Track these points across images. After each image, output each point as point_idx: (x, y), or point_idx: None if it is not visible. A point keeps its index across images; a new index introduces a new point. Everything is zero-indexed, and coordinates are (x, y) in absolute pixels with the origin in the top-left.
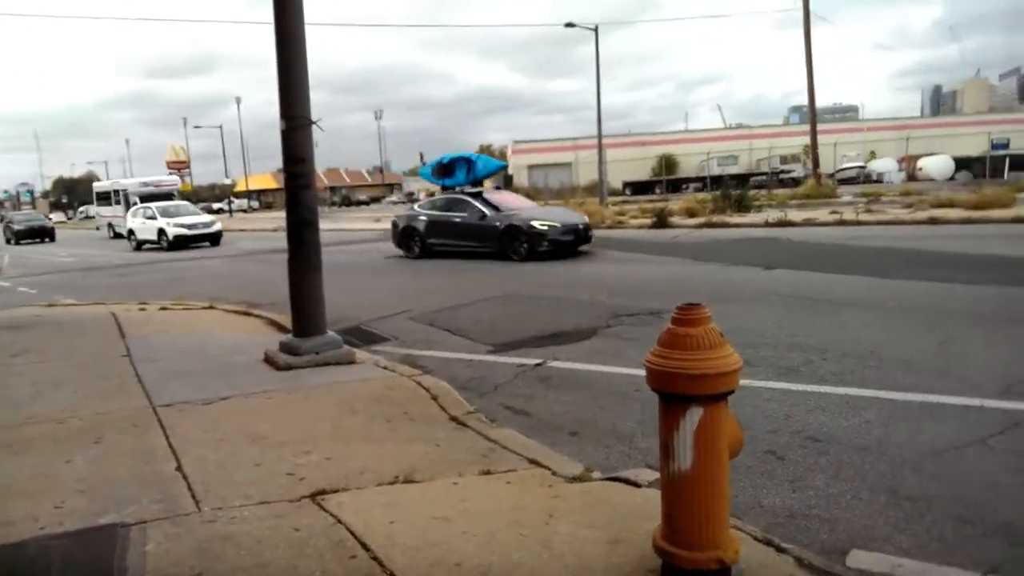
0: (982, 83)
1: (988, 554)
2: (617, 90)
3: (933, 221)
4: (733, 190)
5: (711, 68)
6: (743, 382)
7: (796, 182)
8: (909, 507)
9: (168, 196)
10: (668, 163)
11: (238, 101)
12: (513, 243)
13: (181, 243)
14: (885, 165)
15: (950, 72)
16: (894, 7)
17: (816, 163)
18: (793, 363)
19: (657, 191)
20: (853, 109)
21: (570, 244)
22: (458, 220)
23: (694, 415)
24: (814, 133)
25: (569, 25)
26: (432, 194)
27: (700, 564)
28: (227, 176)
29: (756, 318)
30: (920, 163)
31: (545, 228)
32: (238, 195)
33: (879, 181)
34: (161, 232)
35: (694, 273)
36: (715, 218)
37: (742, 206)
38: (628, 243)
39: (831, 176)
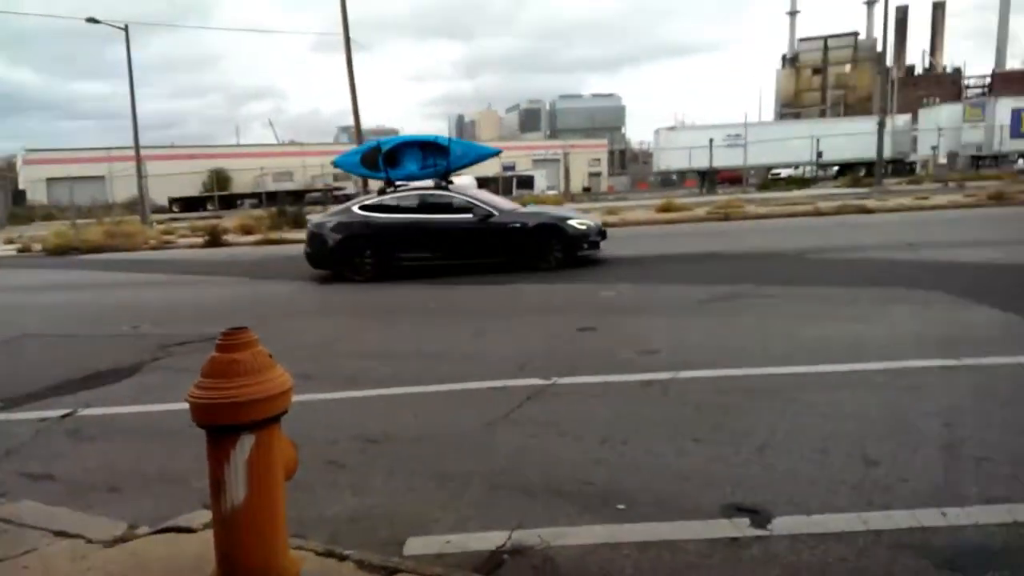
0: (493, 114)
1: (513, 511)
2: (160, 97)
3: None
4: (289, 207)
5: (262, 82)
6: (303, 397)
7: (348, 198)
8: (452, 486)
9: None
10: (220, 178)
11: None
12: (543, 249)
13: None
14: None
15: (469, 104)
16: (424, 44)
17: (366, 181)
18: (352, 371)
19: (209, 207)
20: (395, 131)
21: (597, 246)
22: (446, 224)
23: (245, 444)
24: None
25: (92, 21)
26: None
27: None
28: None
29: (317, 331)
30: (455, 181)
31: (585, 228)
32: None
33: None
34: None
35: (253, 292)
36: (273, 235)
37: (299, 222)
38: (178, 264)
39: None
